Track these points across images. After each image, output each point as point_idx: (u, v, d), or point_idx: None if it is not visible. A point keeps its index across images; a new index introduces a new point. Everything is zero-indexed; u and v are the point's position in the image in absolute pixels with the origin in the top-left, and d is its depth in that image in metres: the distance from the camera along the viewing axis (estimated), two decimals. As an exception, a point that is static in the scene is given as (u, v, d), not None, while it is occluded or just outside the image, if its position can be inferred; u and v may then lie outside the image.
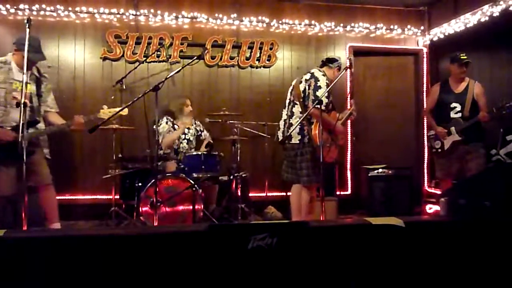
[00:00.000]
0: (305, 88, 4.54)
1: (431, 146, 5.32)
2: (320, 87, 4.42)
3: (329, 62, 4.73)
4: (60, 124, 4.39)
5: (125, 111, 4.51)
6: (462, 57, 5.01)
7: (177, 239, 2.37)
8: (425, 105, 6.47)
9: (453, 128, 5.01)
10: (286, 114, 4.72)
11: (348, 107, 4.91)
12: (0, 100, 4.14)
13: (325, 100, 4.36)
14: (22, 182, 3.32)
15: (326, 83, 4.46)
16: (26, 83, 4.20)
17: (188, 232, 2.48)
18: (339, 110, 4.86)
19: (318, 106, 4.18)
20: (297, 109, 4.59)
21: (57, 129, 4.37)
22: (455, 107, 5.05)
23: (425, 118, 6.45)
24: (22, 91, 3.28)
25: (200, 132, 5.88)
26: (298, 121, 4.41)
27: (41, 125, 4.41)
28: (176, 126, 5.66)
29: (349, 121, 6.76)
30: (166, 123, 5.63)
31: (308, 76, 4.61)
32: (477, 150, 4.94)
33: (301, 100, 4.54)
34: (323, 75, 4.56)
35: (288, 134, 4.51)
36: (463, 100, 5.01)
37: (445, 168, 5.21)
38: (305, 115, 4.25)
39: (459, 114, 5.01)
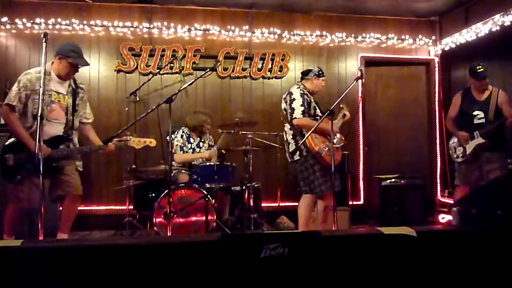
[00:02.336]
0: (285, 107, 4.69)
1: (453, 153, 5.19)
2: (294, 99, 4.56)
3: (304, 75, 4.82)
4: (92, 147, 4.35)
5: (153, 143, 4.56)
6: (478, 71, 4.90)
7: (190, 249, 2.39)
8: (442, 114, 6.43)
9: (477, 132, 4.90)
10: (285, 135, 4.81)
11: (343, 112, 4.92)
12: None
13: (300, 108, 4.48)
14: (39, 194, 3.36)
15: (301, 93, 4.57)
16: (63, 95, 4.24)
17: (201, 242, 2.49)
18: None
19: (300, 116, 4.45)
20: (287, 127, 4.71)
21: (88, 151, 4.39)
22: (477, 115, 4.96)
23: (440, 127, 6.41)
24: (39, 102, 3.30)
25: (210, 148, 5.90)
26: (291, 137, 4.64)
27: (75, 140, 4.36)
28: (191, 139, 5.71)
29: (361, 130, 6.79)
30: (181, 136, 5.64)
31: (285, 95, 4.76)
32: (499, 160, 4.83)
33: (287, 118, 4.67)
34: (297, 87, 4.67)
35: (290, 152, 4.67)
36: (486, 108, 4.91)
37: (464, 175, 5.09)
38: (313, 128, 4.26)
39: (483, 120, 4.92)
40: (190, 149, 5.68)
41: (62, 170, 4.12)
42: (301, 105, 4.50)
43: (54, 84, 4.18)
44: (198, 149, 5.71)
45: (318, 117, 4.54)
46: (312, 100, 4.65)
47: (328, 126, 4.18)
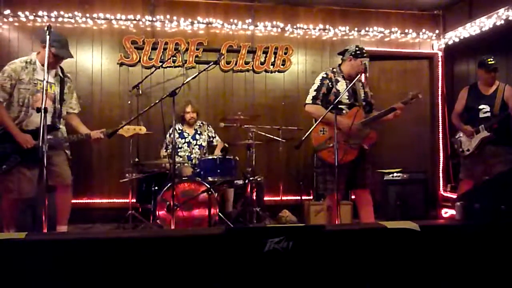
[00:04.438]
0: None
1: (458, 147, 5.21)
2: (314, 83, 4.26)
3: (341, 55, 4.40)
4: (80, 135, 4.34)
5: (143, 130, 4.54)
6: (489, 62, 4.93)
7: (194, 242, 2.39)
8: (442, 109, 6.41)
9: (482, 126, 4.91)
10: None
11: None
12: (24, 101, 4.10)
13: (312, 93, 4.18)
14: (42, 186, 3.37)
15: (323, 77, 4.23)
16: (50, 83, 4.22)
17: (205, 235, 2.50)
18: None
19: (309, 101, 4.15)
20: None
21: (76, 139, 4.33)
22: (483, 109, 4.97)
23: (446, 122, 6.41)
24: (43, 97, 3.30)
25: (211, 138, 5.91)
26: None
27: (63, 128, 4.40)
28: (185, 134, 5.72)
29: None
30: (169, 135, 5.53)
31: None
32: (504, 154, 4.83)
33: None
34: (325, 71, 4.30)
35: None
36: (492, 102, 4.93)
37: (469, 169, 5.10)
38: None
39: (488, 114, 4.94)
40: (184, 143, 5.69)
41: (50, 160, 4.10)
42: (315, 90, 4.18)
43: (40, 73, 4.18)
44: (194, 141, 5.72)
45: (343, 106, 4.14)
46: (340, 85, 4.19)
47: (346, 121, 3.95)
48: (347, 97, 4.17)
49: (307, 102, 4.20)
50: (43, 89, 3.32)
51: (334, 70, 4.33)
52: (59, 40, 4.16)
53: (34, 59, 4.21)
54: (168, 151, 5.60)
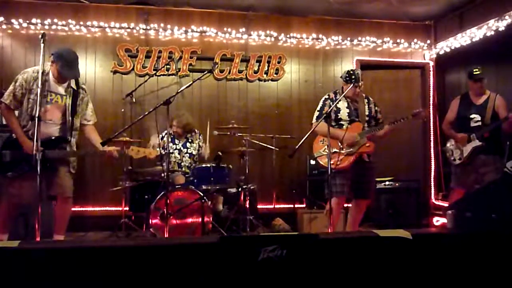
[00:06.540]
0: None
1: (450, 155, 5.22)
2: (318, 105, 4.79)
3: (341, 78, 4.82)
4: (94, 151, 4.33)
5: (153, 154, 4.47)
6: (475, 73, 4.99)
7: (188, 251, 2.40)
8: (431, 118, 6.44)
9: (473, 135, 4.94)
10: None
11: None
12: (33, 112, 3.90)
13: (316, 114, 4.73)
14: (36, 195, 3.37)
15: (325, 98, 4.76)
16: (61, 95, 4.17)
17: (200, 244, 2.51)
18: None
19: (314, 120, 4.68)
20: None
21: (90, 153, 4.31)
22: (474, 118, 5.01)
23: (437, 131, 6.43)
24: (37, 104, 3.31)
25: (200, 148, 5.89)
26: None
27: (73, 141, 4.29)
28: (176, 140, 5.72)
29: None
30: (162, 138, 5.41)
31: None
32: (495, 163, 4.86)
33: None
34: (328, 93, 4.82)
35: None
36: (483, 112, 4.97)
37: (460, 177, 5.14)
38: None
39: (479, 123, 4.97)
40: (175, 149, 5.69)
41: (56, 171, 4.11)
42: (318, 110, 4.73)
43: (52, 85, 4.14)
44: (184, 150, 5.71)
45: (344, 122, 4.62)
46: (341, 104, 4.63)
47: (347, 134, 4.40)
48: (347, 115, 4.64)
49: (312, 122, 4.71)
50: (37, 103, 3.32)
51: (337, 91, 4.80)
52: (66, 58, 4.07)
53: (48, 70, 4.12)
54: (160, 148, 5.56)
